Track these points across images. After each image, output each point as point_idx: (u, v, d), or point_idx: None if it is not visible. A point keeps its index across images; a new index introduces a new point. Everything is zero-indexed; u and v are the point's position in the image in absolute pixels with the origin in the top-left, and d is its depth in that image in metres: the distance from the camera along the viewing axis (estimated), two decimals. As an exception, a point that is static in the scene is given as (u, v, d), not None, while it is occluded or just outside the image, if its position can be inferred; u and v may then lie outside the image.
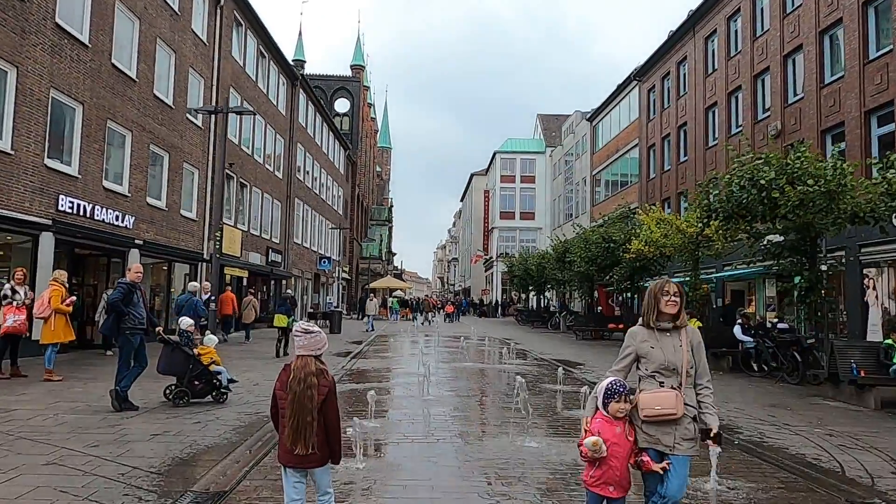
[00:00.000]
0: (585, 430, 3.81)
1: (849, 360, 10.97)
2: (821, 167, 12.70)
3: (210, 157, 23.62)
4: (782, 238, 14.80)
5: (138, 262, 9.30)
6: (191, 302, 13.95)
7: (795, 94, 23.43)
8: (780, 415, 9.70)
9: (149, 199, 19.30)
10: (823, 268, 14.36)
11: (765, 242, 15.46)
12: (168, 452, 6.47)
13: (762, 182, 13.39)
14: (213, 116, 23.59)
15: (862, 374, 10.73)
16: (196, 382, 9.32)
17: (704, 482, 5.84)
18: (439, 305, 55.66)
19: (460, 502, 5.28)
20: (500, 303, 60.38)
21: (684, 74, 32.71)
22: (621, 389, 3.77)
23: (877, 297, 18.65)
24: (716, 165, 28.49)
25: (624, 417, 3.79)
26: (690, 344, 3.87)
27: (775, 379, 13.93)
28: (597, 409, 3.85)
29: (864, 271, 18.74)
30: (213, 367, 9.52)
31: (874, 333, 18.21)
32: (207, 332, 11.05)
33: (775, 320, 16.94)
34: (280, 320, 17.02)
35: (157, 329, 9.17)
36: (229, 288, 22.09)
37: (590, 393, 9.10)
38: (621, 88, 41.26)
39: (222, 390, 9.50)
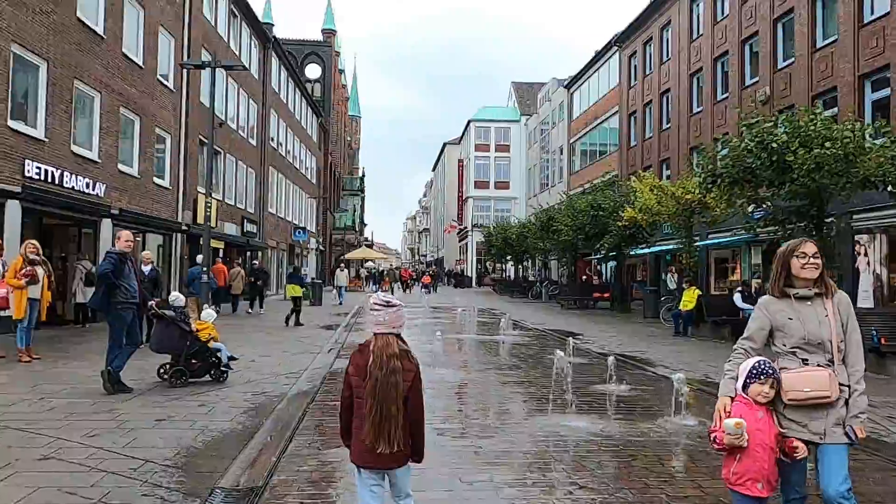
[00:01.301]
0: (722, 415, 3.24)
1: (869, 327, 10.70)
2: (839, 129, 12.32)
3: (183, 122, 22.37)
4: (787, 204, 14.48)
5: (126, 231, 8.39)
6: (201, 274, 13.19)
7: (785, 59, 23.07)
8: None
9: (120, 166, 18.13)
10: (832, 233, 14.08)
11: (766, 207, 15.13)
12: (179, 441, 5.76)
13: (774, 145, 12.98)
14: (184, 79, 22.29)
15: (883, 341, 10.48)
16: (193, 361, 8.56)
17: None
18: (415, 276, 55.05)
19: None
20: (478, 272, 60.09)
21: (668, 39, 32.15)
22: (770, 371, 3.20)
23: (868, 263, 18.60)
24: (700, 133, 28.20)
25: (766, 403, 3.24)
26: (839, 314, 3.30)
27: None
28: (735, 391, 3.29)
29: (856, 238, 18.63)
30: (212, 344, 8.77)
31: (865, 300, 18.20)
32: (205, 306, 10.22)
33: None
34: (294, 290, 17.69)
35: (150, 304, 8.36)
36: (220, 260, 21.07)
37: (612, 365, 8.67)
38: (600, 55, 40.56)
39: (222, 368, 8.77)
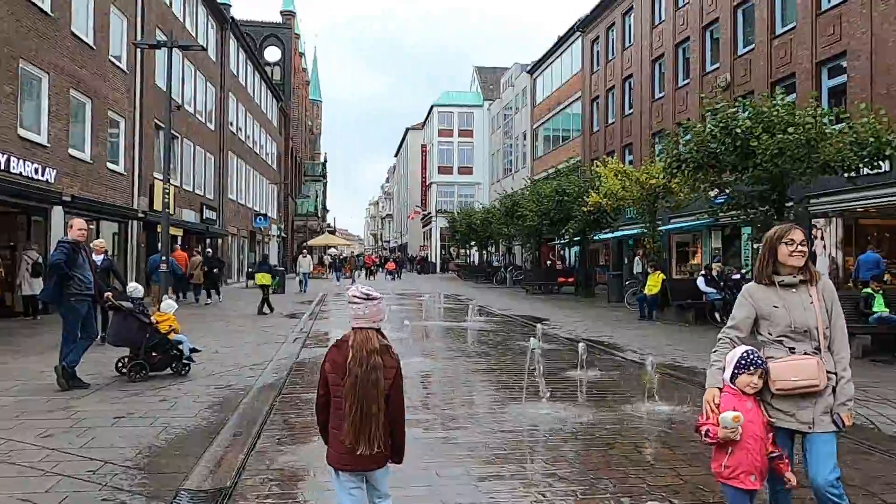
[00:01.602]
0: (714, 408, 3.16)
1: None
2: (801, 114, 12.49)
3: (137, 105, 21.58)
4: (750, 188, 14.67)
5: (79, 219, 7.98)
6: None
7: (745, 46, 23.38)
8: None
9: (72, 151, 17.38)
10: (792, 218, 14.32)
11: (729, 192, 15.31)
12: (140, 440, 5.49)
13: (738, 131, 13.11)
14: (138, 60, 21.48)
15: (843, 323, 10.68)
16: (154, 354, 8.23)
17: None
18: (379, 262, 54.65)
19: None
20: (442, 258, 59.99)
21: (630, 25, 32.28)
22: (759, 361, 3.13)
23: (824, 247, 19.08)
24: (662, 118, 28.48)
25: (754, 394, 3.17)
26: (824, 301, 3.24)
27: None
28: (723, 382, 3.21)
29: (813, 222, 19.06)
30: (173, 336, 8.44)
31: (822, 282, 18.67)
32: (165, 296, 9.77)
33: (738, 275, 16.97)
34: (262, 278, 17.68)
35: (106, 295, 7.98)
36: (178, 247, 20.42)
37: (583, 351, 8.65)
38: (563, 40, 40.58)
39: (184, 361, 8.46)
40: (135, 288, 8.45)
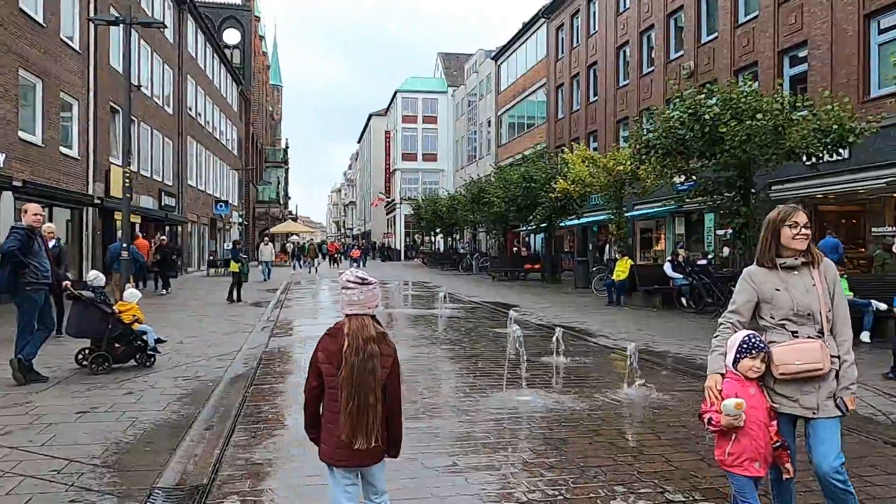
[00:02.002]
0: (717, 395, 3.08)
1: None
2: (769, 101, 12.63)
3: (91, 87, 20.73)
4: (717, 175, 14.83)
5: (34, 204, 7.53)
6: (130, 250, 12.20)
7: (709, 34, 23.61)
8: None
9: (21, 134, 16.58)
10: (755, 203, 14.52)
11: (696, 179, 15.46)
12: (106, 436, 5.21)
13: (706, 117, 13.19)
14: (91, 40, 20.60)
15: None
16: (117, 345, 7.88)
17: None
18: (342, 250, 54.01)
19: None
20: (406, 246, 59.67)
21: (595, 12, 32.33)
22: (760, 345, 3.05)
23: (785, 232, 19.45)
24: (627, 106, 28.67)
25: (756, 379, 3.10)
26: (826, 283, 3.18)
27: (711, 315, 14.12)
28: (725, 367, 3.13)
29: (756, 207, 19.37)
30: (137, 327, 8.10)
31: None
32: (127, 285, 9.30)
33: (703, 260, 17.19)
34: (237, 266, 17.79)
35: (64, 284, 7.58)
36: (140, 235, 19.72)
37: (559, 337, 8.60)
38: (528, 26, 40.48)
39: (149, 352, 8.12)
40: (96, 276, 8.06)
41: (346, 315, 2.83)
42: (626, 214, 25.66)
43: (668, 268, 16.39)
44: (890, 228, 16.88)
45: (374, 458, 2.81)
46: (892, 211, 17.20)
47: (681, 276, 16.05)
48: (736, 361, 3.09)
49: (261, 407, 6.32)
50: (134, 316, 8.09)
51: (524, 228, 34.57)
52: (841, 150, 13.76)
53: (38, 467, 4.47)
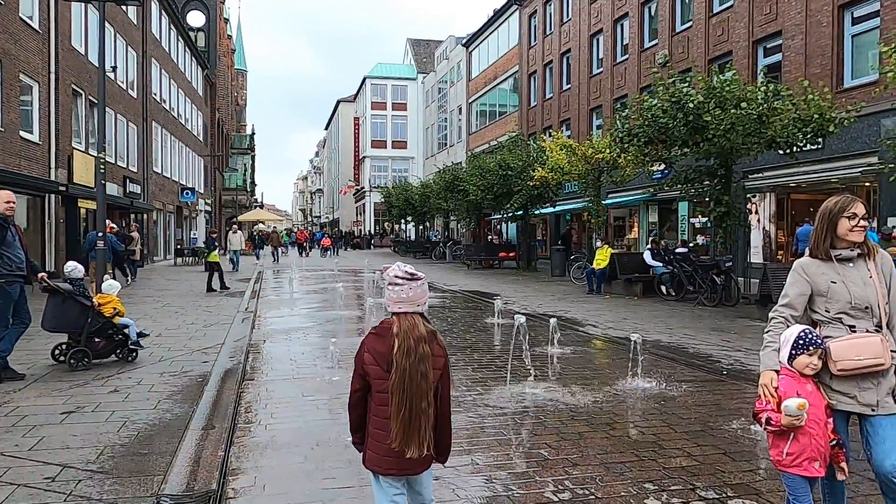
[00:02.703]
0: (772, 393, 2.95)
1: (781, 282, 11.19)
2: (752, 90, 12.68)
3: (52, 69, 19.84)
4: (697, 163, 14.90)
5: (6, 191, 7.07)
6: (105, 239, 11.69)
7: (683, 23, 23.71)
8: (735, 340, 9.67)
9: (-21, 117, 15.79)
10: (737, 196, 14.62)
11: (676, 167, 15.51)
12: (98, 438, 4.90)
13: (690, 105, 13.20)
14: (52, 19, 19.69)
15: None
16: (97, 339, 7.50)
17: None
18: (311, 238, 53.27)
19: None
20: (376, 233, 59.16)
21: (568, 0, 32.27)
22: (818, 341, 2.93)
23: (758, 220, 19.75)
24: (600, 94, 28.71)
25: (812, 375, 2.98)
26: (882, 274, 3.07)
27: (693, 302, 14.22)
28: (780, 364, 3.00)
29: (748, 196, 19.66)
30: (118, 320, 7.72)
31: (756, 255, 19.39)
32: (105, 276, 8.74)
33: (684, 248, 17.29)
34: (215, 256, 17.51)
35: (39, 275, 7.16)
36: (109, 223, 18.93)
37: (555, 328, 8.49)
38: (500, 13, 40.22)
39: (131, 347, 7.76)
40: (74, 268, 7.63)
41: (394, 314, 2.61)
42: (604, 202, 25.84)
43: (647, 256, 16.45)
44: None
45: (424, 465, 2.62)
46: (864, 199, 17.54)
47: (660, 264, 16.14)
48: (791, 358, 2.97)
49: (258, 404, 6.05)
50: (115, 309, 7.71)
51: (496, 217, 34.53)
52: (820, 140, 13.91)
53: (30, 475, 4.16)
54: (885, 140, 10.95)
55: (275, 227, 50.98)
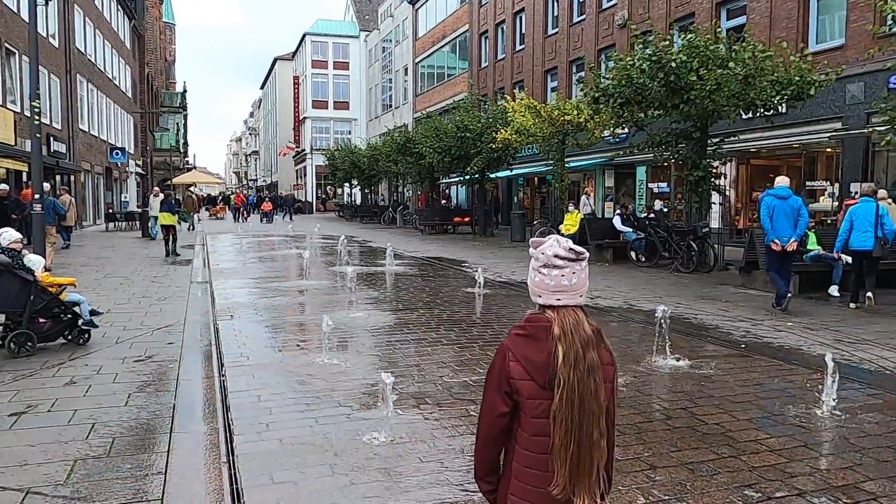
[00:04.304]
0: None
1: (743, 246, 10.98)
2: (740, 50, 12.25)
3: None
4: (672, 125, 14.48)
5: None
6: (47, 202, 10.25)
7: (644, -17, 23.18)
8: (731, 309, 9.32)
9: None
10: (712, 160, 14.33)
11: (648, 130, 15.07)
12: (65, 449, 3.97)
13: (672, 65, 12.66)
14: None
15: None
16: (41, 320, 6.41)
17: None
18: (248, 203, 50.96)
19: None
20: (318, 198, 57.37)
21: (523, -44, 31.25)
22: None
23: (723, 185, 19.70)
24: (556, 55, 28.05)
25: None
26: None
27: (668, 269, 13.94)
28: None
29: (712, 161, 19.53)
30: (66, 296, 6.63)
31: (714, 219, 19.39)
32: (24, 250, 7.32)
33: (651, 214, 17.01)
34: (167, 218, 16.67)
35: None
36: (28, 185, 17.10)
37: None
38: (449, -31, 38.81)
39: (83, 327, 6.69)
40: (8, 233, 6.45)
41: (553, 308, 1.85)
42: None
43: (617, 221, 16.09)
44: (824, 182, 17.36)
45: None
46: (824, 164, 17.67)
47: (630, 229, 15.81)
48: None
49: (249, 396, 5.17)
50: (61, 286, 6.61)
51: (445, 181, 33.65)
52: (797, 103, 13.68)
53: (-17, 506, 3.23)
54: (880, 104, 10.71)
55: (191, 190, 45.07)
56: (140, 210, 25.67)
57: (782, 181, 9.40)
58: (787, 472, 3.71)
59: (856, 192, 15.11)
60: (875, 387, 5.44)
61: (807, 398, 5.04)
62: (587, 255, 1.90)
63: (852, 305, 9.34)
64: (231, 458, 3.87)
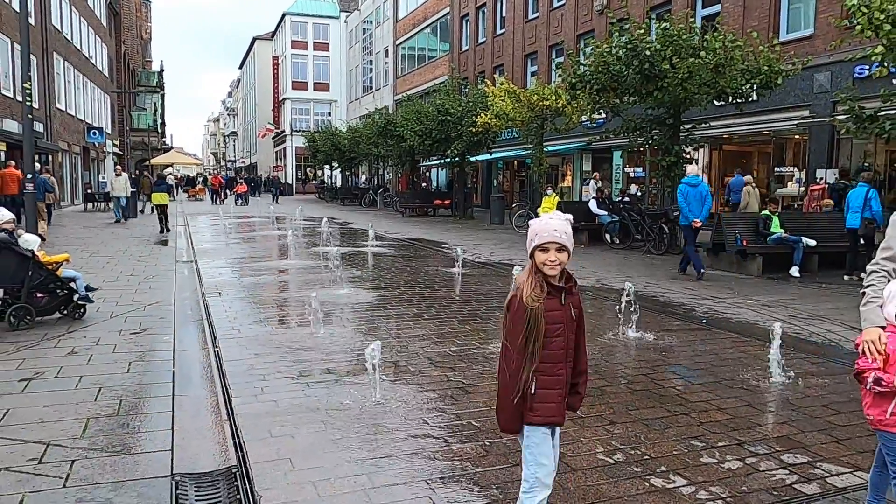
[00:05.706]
0: (880, 350, 2.80)
1: (733, 231, 11.50)
2: (711, 39, 12.68)
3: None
4: (646, 112, 14.91)
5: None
6: (38, 180, 10.38)
7: (624, -31, 23.48)
8: (696, 288, 9.83)
9: None
10: (684, 146, 14.80)
11: (623, 116, 15.50)
12: (76, 409, 4.31)
13: (647, 53, 13.07)
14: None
15: (745, 243, 11.33)
16: (39, 295, 6.69)
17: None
18: (225, 184, 50.53)
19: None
20: (297, 180, 57.23)
21: (503, -60, 31.36)
22: (924, 293, 2.81)
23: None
24: (536, 40, 28.34)
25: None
26: None
27: (641, 251, 14.46)
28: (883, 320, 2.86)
29: (684, 147, 20.05)
30: (63, 272, 6.91)
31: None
32: (18, 229, 7.49)
33: (626, 197, 17.50)
34: (160, 198, 18.20)
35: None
36: (12, 164, 17.02)
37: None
38: (431, -49, 38.74)
39: (79, 302, 6.98)
40: (2, 216, 6.69)
41: None
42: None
43: (593, 204, 16.57)
44: (792, 168, 17.96)
45: None
46: (793, 151, 18.27)
47: (605, 212, 16.29)
48: (897, 313, 2.83)
49: (242, 364, 5.53)
50: (58, 263, 6.89)
51: (425, 164, 33.91)
52: (766, 92, 14.17)
53: (9, 456, 3.57)
54: (841, 94, 11.23)
55: (160, 169, 41.55)
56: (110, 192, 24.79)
57: (692, 170, 11.52)
58: (731, 427, 4.18)
59: (821, 178, 15.74)
60: (819, 356, 5.96)
61: (757, 366, 5.52)
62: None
63: (846, 278, 10.57)
64: (231, 417, 4.24)
